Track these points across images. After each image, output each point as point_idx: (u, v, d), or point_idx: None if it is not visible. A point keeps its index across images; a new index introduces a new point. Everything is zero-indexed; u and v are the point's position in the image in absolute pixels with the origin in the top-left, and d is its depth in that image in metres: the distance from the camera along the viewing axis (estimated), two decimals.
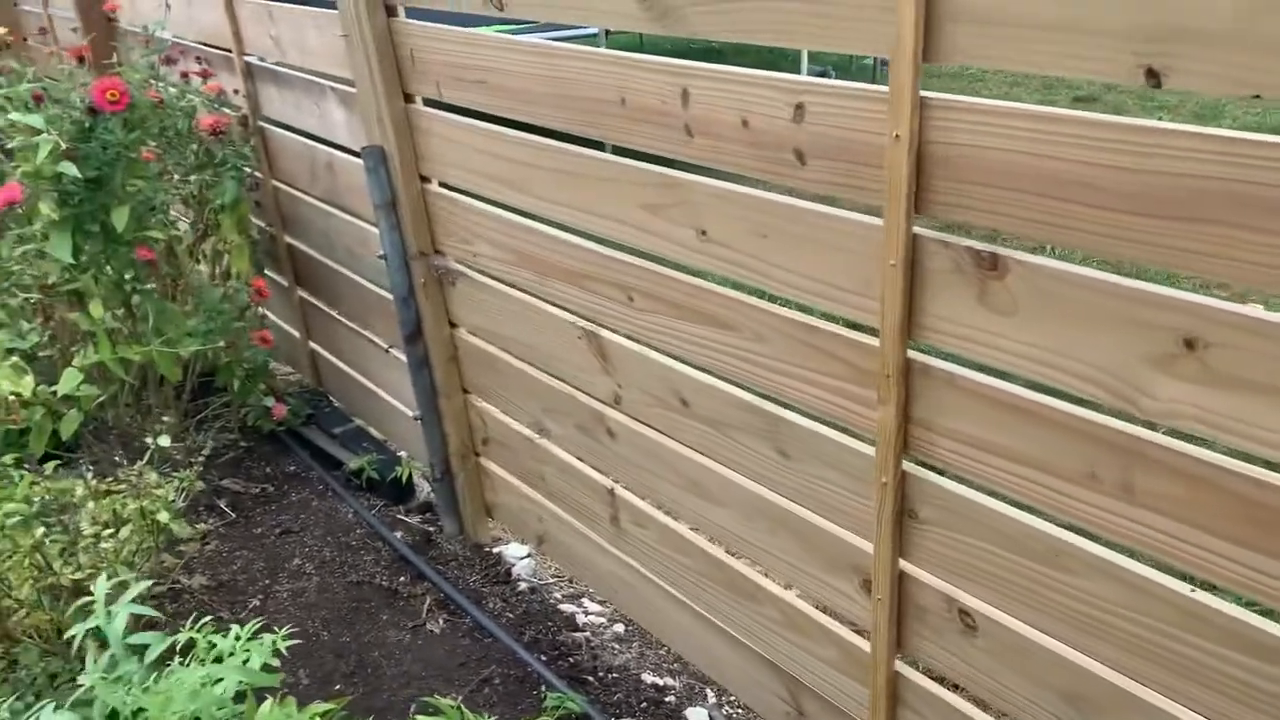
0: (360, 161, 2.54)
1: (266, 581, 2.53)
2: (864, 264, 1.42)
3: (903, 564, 1.56)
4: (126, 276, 2.64)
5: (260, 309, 3.00)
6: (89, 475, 2.34)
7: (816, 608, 1.79)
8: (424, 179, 2.34)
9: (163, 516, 2.16)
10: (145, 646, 1.24)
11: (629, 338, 1.93)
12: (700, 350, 1.76)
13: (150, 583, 1.25)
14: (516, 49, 1.88)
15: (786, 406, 1.66)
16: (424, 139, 2.26)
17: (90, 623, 1.20)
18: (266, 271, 3.31)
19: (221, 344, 2.71)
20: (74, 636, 2.13)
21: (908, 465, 1.49)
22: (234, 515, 2.80)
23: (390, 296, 2.62)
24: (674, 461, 1.93)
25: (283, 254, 3.24)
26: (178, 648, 1.44)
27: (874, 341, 1.45)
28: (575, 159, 1.85)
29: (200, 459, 2.45)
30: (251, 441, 3.17)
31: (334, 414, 3.27)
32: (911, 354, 1.42)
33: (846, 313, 1.48)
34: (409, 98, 2.26)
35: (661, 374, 1.87)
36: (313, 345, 3.37)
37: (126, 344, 2.60)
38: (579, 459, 2.23)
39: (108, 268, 2.62)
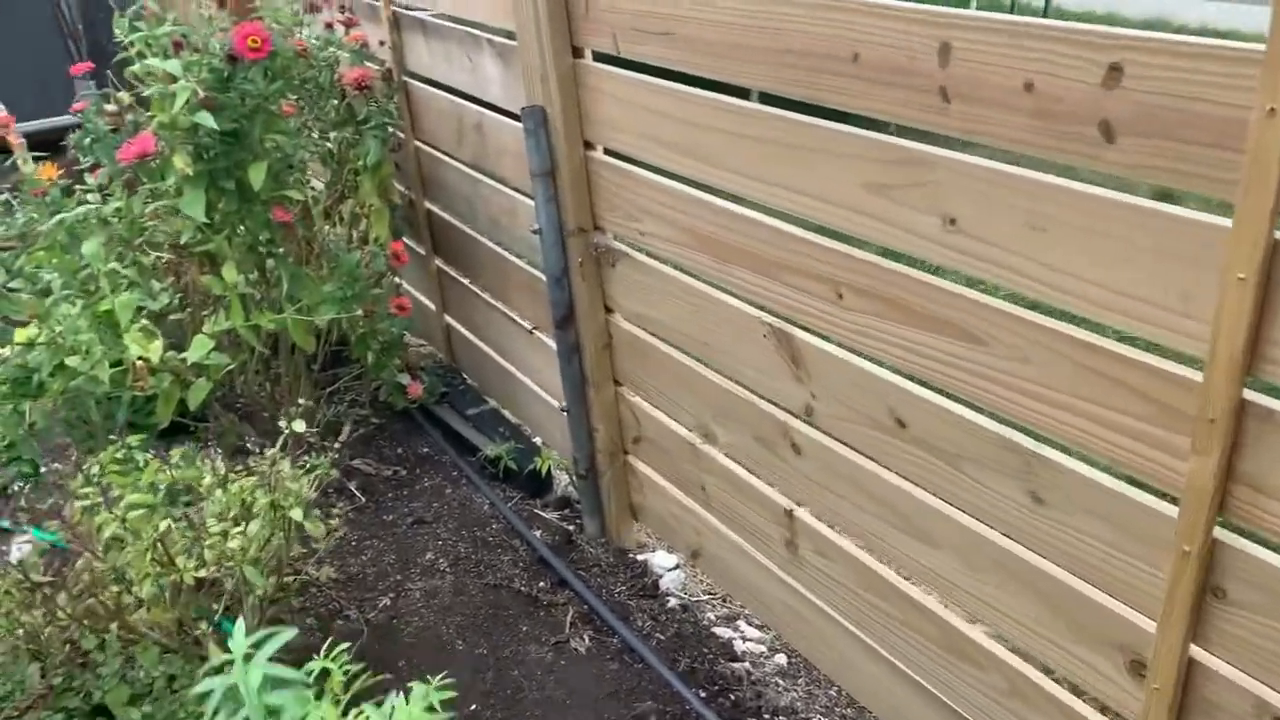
0: (514, 124, 2.30)
1: (398, 577, 2.33)
2: (1190, 274, 1.10)
3: (1195, 650, 1.24)
4: (262, 239, 2.45)
5: (397, 277, 2.78)
6: (218, 459, 2.17)
7: (1056, 682, 1.48)
8: (588, 145, 2.07)
9: (295, 514, 1.96)
10: (280, 710, 1.03)
11: (832, 341, 1.64)
12: (931, 365, 1.45)
13: (293, 632, 1.02)
14: None
15: (1046, 442, 1.35)
16: (592, 99, 2.00)
17: (222, 682, 0.99)
18: (404, 237, 3.11)
19: (359, 312, 2.50)
20: (199, 633, 1.97)
21: (1221, 532, 1.17)
22: (364, 500, 2.62)
23: (539, 274, 2.38)
24: (877, 489, 1.64)
25: (421, 220, 3.04)
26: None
27: (1193, 375, 1.13)
28: (781, 125, 1.56)
29: (336, 444, 2.25)
30: (383, 418, 2.98)
31: (468, 393, 3.07)
32: (1248, 394, 1.09)
33: (1153, 334, 1.16)
34: (578, 52, 2.00)
35: (872, 387, 1.57)
36: (448, 319, 3.16)
37: (260, 311, 2.42)
38: (751, 473, 1.95)
39: (242, 228, 2.44)
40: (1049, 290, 1.25)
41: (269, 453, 1.98)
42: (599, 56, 1.97)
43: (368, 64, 2.69)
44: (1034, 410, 1.33)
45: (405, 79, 2.85)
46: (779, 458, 1.84)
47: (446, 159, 2.77)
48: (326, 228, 2.89)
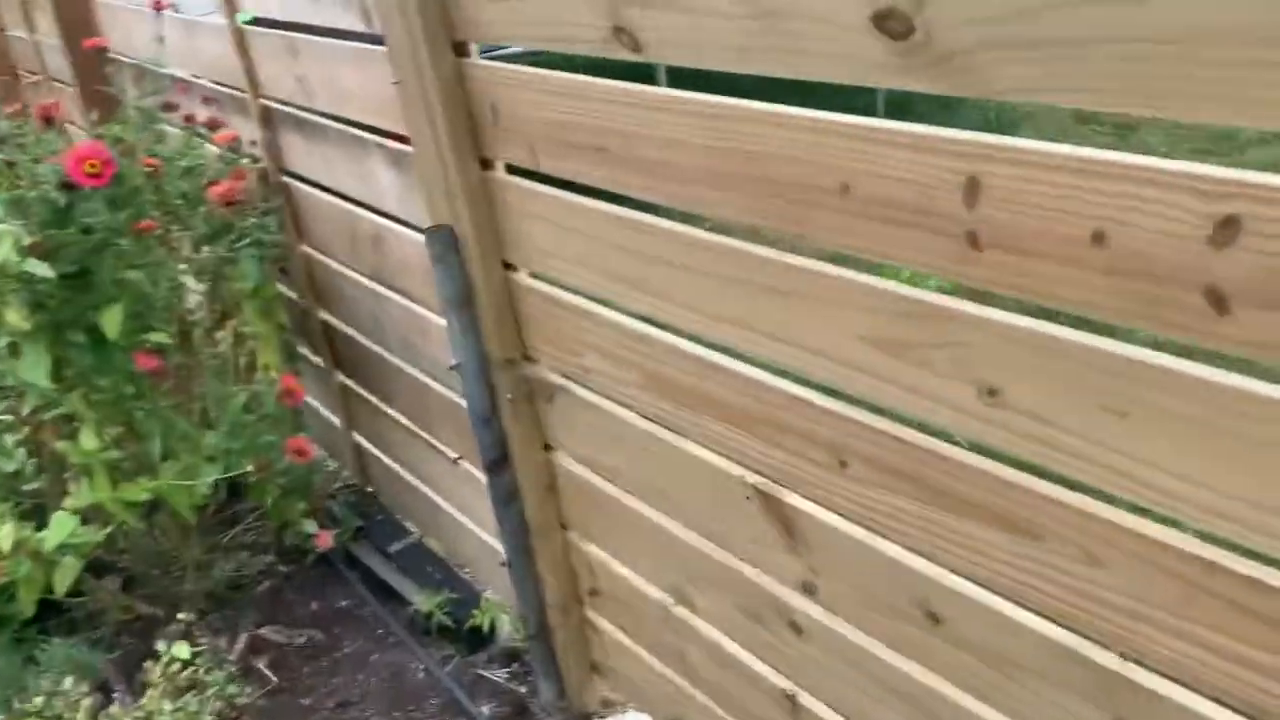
0: (418, 237, 1.97)
1: None
2: None
3: None
4: (125, 392, 2.07)
5: (294, 411, 2.42)
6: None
7: None
8: (509, 267, 1.76)
9: None
10: None
11: (835, 513, 1.34)
12: (972, 557, 1.17)
13: None
14: (660, 104, 1.29)
15: (1137, 663, 1.07)
16: (510, 218, 1.68)
17: None
18: (299, 349, 2.74)
19: (248, 467, 2.14)
20: None
21: None
22: (276, 680, 2.24)
23: (462, 401, 2.05)
24: (901, 685, 1.35)
25: (317, 331, 2.67)
26: None
27: None
28: (752, 263, 1.26)
29: (230, 657, 1.89)
30: (292, 564, 2.61)
31: (388, 524, 2.71)
32: None
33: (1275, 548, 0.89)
34: (487, 163, 1.68)
35: (892, 573, 1.28)
36: (357, 438, 2.80)
37: (129, 479, 2.04)
38: (742, 646, 1.65)
39: (100, 382, 2.06)
40: (1135, 487, 0.98)
41: (148, 694, 1.61)
42: (515, 170, 1.66)
43: (242, 163, 2.33)
44: (1114, 623, 1.05)
45: (286, 180, 2.49)
46: (776, 636, 1.54)
47: (342, 269, 2.42)
48: (208, 353, 2.52)
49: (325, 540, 2.32)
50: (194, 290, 2.50)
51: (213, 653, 2.15)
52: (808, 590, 1.44)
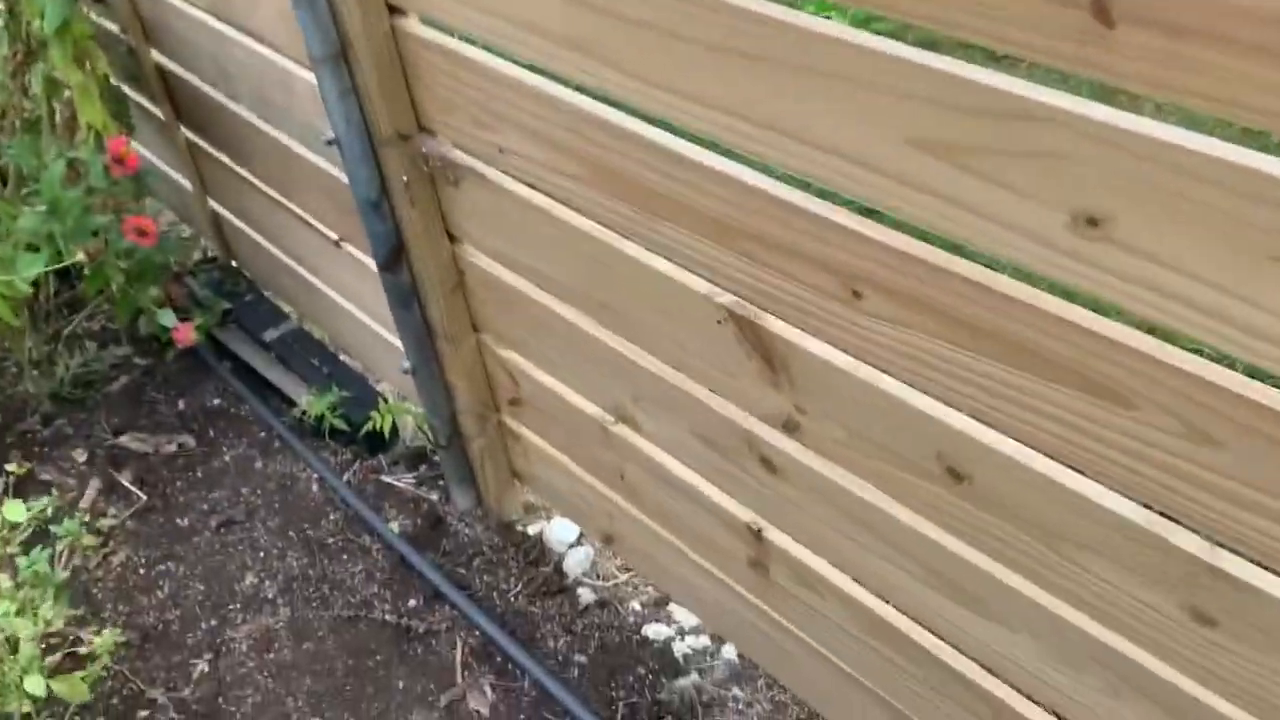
0: None
1: (213, 621, 1.74)
2: None
3: None
4: None
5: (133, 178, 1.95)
6: None
7: None
8: (395, 10, 1.35)
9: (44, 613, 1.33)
10: None
11: (838, 348, 1.08)
12: (1028, 416, 0.93)
13: None
14: None
15: (1231, 550, 0.87)
16: None
17: None
18: (133, 97, 2.25)
19: (79, 256, 1.74)
20: None
21: None
22: (144, 497, 1.95)
23: (339, 175, 1.68)
24: (902, 540, 1.15)
25: (151, 76, 2.18)
26: None
27: None
28: (752, 26, 0.92)
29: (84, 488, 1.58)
30: (149, 357, 2.26)
31: (259, 305, 2.35)
32: None
33: None
34: None
35: (910, 424, 1.05)
36: (214, 206, 2.38)
37: None
38: (698, 474, 1.43)
39: None
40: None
41: None
42: None
43: None
44: (1204, 506, 0.85)
45: None
46: (742, 469, 1.32)
47: (173, 2, 1.92)
48: (12, 104, 2.04)
49: (185, 335, 1.97)
50: None
51: (59, 490, 1.83)
52: (789, 428, 1.20)
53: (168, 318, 1.98)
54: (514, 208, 1.38)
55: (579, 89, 1.18)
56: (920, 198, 0.89)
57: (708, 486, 1.42)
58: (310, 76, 1.62)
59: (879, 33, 0.86)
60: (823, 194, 1.00)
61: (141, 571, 1.81)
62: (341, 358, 2.23)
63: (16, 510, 1.49)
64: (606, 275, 1.31)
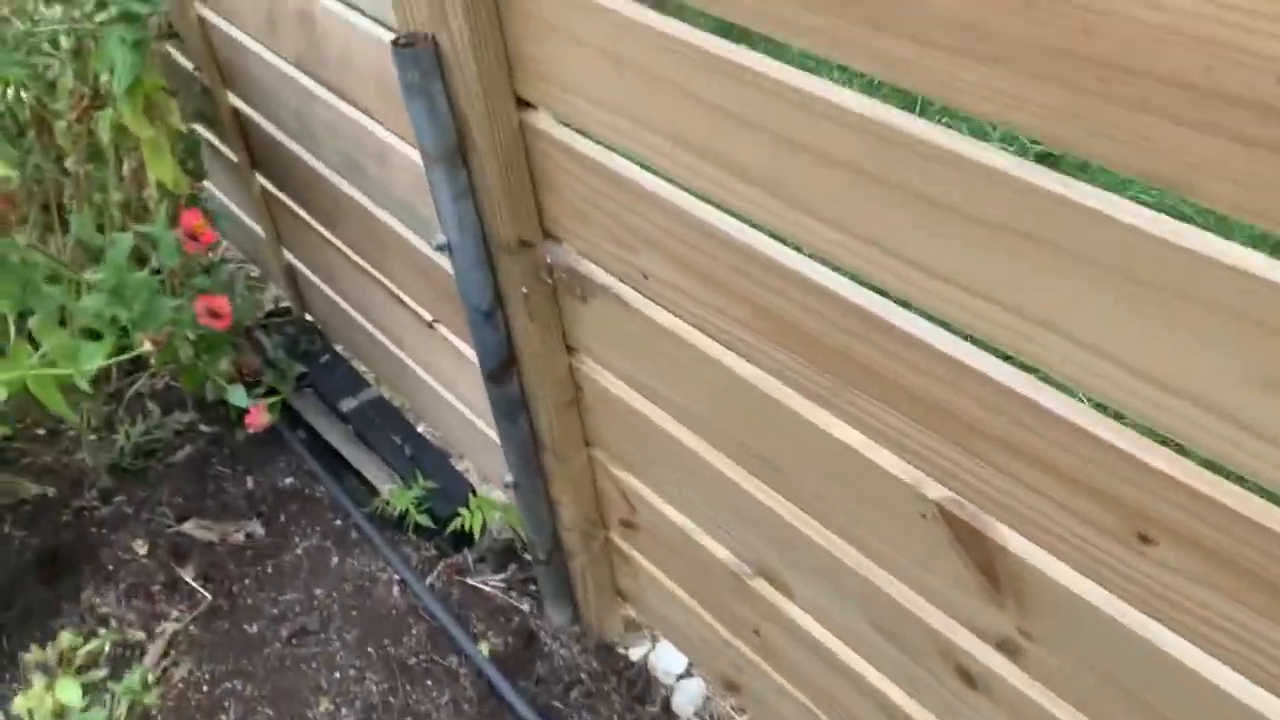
0: (369, 28, 1.33)
1: None
2: None
3: None
4: None
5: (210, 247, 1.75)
6: None
7: None
8: (524, 104, 1.13)
9: None
10: None
11: (1106, 589, 0.85)
12: None
13: None
14: None
15: None
16: (531, 31, 1.04)
17: None
18: (200, 130, 2.07)
19: (146, 346, 1.55)
20: None
21: None
22: (209, 596, 1.77)
23: (438, 259, 1.49)
24: None
25: (226, 118, 2.00)
26: None
27: None
28: (1043, 202, 0.69)
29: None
30: (216, 424, 2.08)
31: (336, 367, 2.16)
32: None
33: None
34: None
35: (1173, 680, 0.82)
36: (290, 258, 2.20)
37: None
38: (866, 661, 1.21)
39: None
40: None
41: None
42: None
43: None
44: None
45: None
46: (928, 672, 1.10)
47: (255, 49, 1.73)
48: (76, 153, 1.86)
49: (258, 419, 1.77)
50: (49, 55, 1.79)
51: (119, 624, 1.66)
52: (1005, 649, 0.98)
53: (239, 395, 1.79)
54: (655, 336, 1.17)
55: (746, 221, 0.96)
56: (1271, 452, 0.66)
57: (876, 676, 1.19)
58: (411, 152, 1.42)
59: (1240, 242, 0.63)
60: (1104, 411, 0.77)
61: (206, 689, 1.63)
62: (424, 434, 2.03)
63: (72, 692, 1.31)
64: (769, 429, 1.09)
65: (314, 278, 2.12)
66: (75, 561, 1.82)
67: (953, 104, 0.69)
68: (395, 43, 1.10)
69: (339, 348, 2.24)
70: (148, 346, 1.53)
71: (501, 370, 1.37)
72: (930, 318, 0.84)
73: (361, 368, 2.20)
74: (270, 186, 2.05)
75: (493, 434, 1.72)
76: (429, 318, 1.72)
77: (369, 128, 1.51)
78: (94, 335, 1.54)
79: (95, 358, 1.47)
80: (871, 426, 0.96)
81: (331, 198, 1.79)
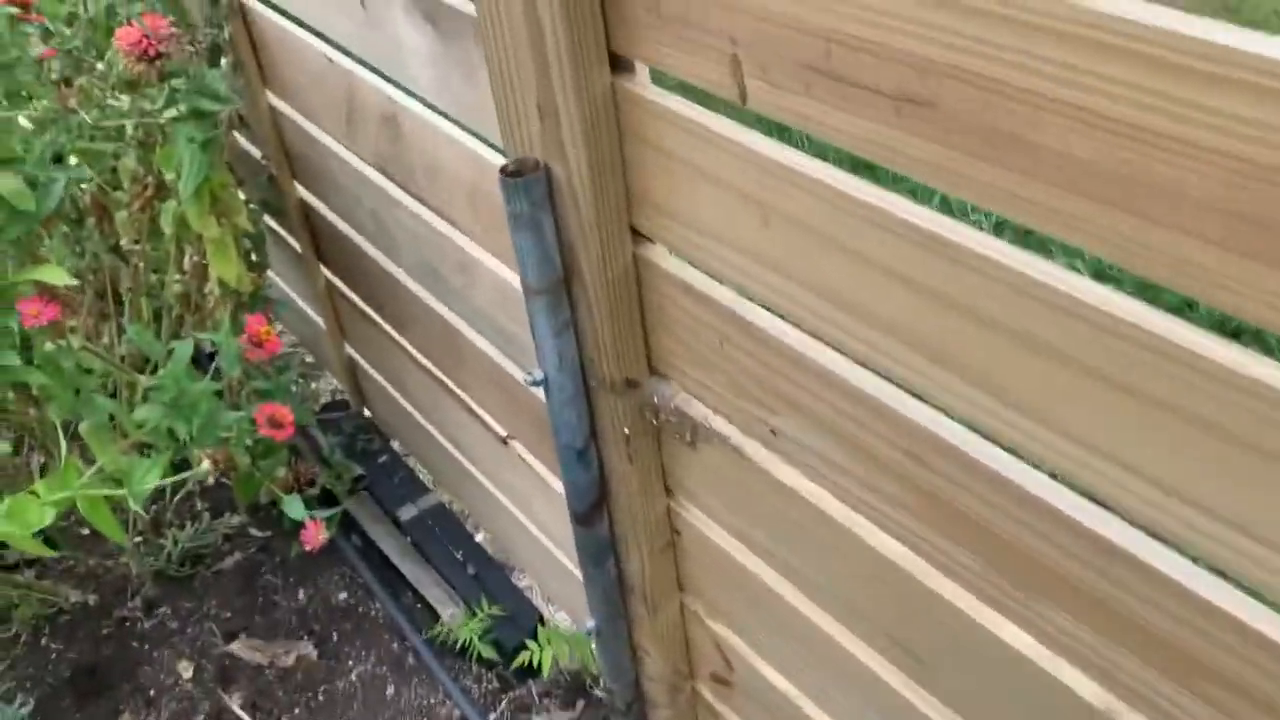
0: (461, 139, 1.23)
1: None
2: None
3: None
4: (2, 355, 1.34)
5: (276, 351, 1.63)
6: None
7: None
8: (639, 236, 1.02)
9: None
10: None
11: None
12: None
13: None
14: (1105, 30, 0.54)
15: None
16: (650, 163, 0.93)
17: None
18: (266, 219, 1.98)
19: (204, 467, 1.44)
20: None
21: None
22: None
23: (515, 373, 1.37)
24: None
25: (291, 209, 1.91)
26: None
27: None
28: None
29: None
30: (267, 527, 1.96)
31: (395, 469, 2.05)
32: None
33: None
34: (619, 61, 0.91)
35: None
36: (351, 351, 2.10)
37: (22, 491, 1.35)
38: None
39: None
40: None
41: None
42: (665, 80, 0.89)
43: None
44: None
45: (243, 0, 1.66)
46: None
47: (328, 144, 1.64)
48: (132, 240, 1.77)
49: (314, 538, 1.65)
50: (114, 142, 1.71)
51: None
52: None
53: (295, 508, 1.67)
54: (778, 496, 1.04)
55: (911, 393, 0.83)
56: None
57: None
58: (499, 268, 1.31)
59: None
60: None
61: None
62: (489, 551, 1.90)
63: None
64: (916, 618, 0.96)
65: (376, 375, 2.02)
66: (114, 681, 1.70)
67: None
68: (505, 171, 0.99)
69: (395, 443, 2.13)
70: (206, 465, 1.42)
71: (591, 511, 1.24)
72: (1154, 535, 0.70)
73: (419, 467, 2.08)
74: (335, 280, 1.95)
75: (565, 558, 1.59)
76: (503, 433, 1.60)
77: (454, 239, 1.40)
78: (145, 445, 1.44)
79: (150, 477, 1.36)
80: (1046, 632, 0.82)
81: (404, 300, 1.68)
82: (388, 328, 1.82)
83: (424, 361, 1.75)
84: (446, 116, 1.26)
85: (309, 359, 2.41)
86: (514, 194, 0.99)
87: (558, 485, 1.51)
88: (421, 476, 2.05)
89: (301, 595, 1.85)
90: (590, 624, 1.38)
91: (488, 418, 1.63)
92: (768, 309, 0.93)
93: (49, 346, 1.38)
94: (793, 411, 0.96)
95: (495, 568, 1.84)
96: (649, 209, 0.98)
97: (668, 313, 1.04)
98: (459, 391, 1.68)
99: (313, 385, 2.35)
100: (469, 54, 1.13)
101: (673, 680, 1.43)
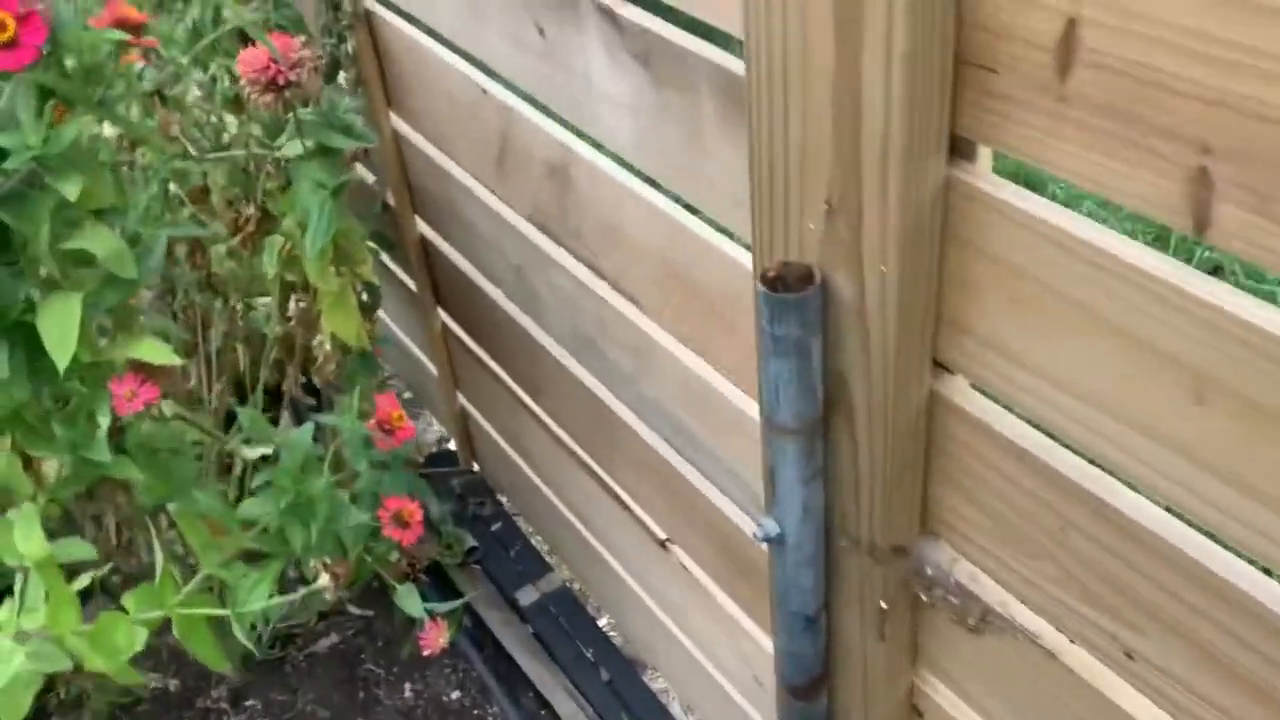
0: (659, 201, 0.97)
1: None
2: None
3: None
4: (84, 444, 1.10)
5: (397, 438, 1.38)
6: None
7: None
8: (940, 367, 0.76)
9: None
10: None
11: None
12: None
13: None
14: None
15: None
16: (980, 272, 0.67)
17: None
18: (381, 255, 1.74)
19: (324, 585, 1.21)
20: None
21: None
22: None
23: (680, 466, 1.12)
24: None
25: (409, 245, 1.67)
26: None
27: None
28: None
29: None
30: (368, 605, 1.73)
31: (511, 540, 1.81)
32: None
33: None
34: (960, 147, 0.65)
35: None
36: (464, 403, 1.86)
37: (119, 601, 1.13)
38: None
39: (44, 428, 1.10)
40: None
41: None
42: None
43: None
44: None
45: (369, 6, 1.41)
46: None
47: (465, 183, 1.39)
48: (232, 295, 1.55)
49: (434, 642, 1.41)
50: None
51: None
52: None
53: (413, 602, 1.42)
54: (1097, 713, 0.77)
55: None
56: None
57: None
58: (685, 356, 1.05)
59: None
60: None
61: None
62: (603, 621, 1.66)
63: None
64: None
65: (493, 432, 1.78)
66: None
67: None
68: (765, 279, 0.73)
69: (506, 501, 1.89)
70: (325, 580, 1.19)
71: (813, 686, 0.99)
72: None
73: (532, 534, 1.84)
74: (455, 326, 1.71)
75: (724, 680, 1.34)
76: (662, 535, 1.35)
77: (627, 315, 1.15)
78: (255, 562, 1.21)
79: (258, 595, 1.13)
80: None
81: (544, 366, 1.43)
82: (517, 389, 1.58)
83: (558, 432, 1.50)
84: (651, 182, 1.00)
85: (406, 394, 2.18)
86: (781, 312, 0.73)
87: (723, 599, 1.26)
88: (535, 543, 1.81)
89: (408, 691, 1.62)
90: None
91: (641, 512, 1.37)
92: (1150, 499, 0.67)
93: (143, 427, 1.16)
94: (1165, 633, 0.69)
95: (628, 670, 1.59)
96: (963, 336, 0.72)
97: (970, 471, 0.77)
98: (602, 474, 1.43)
99: (418, 430, 2.12)
100: (698, 108, 0.87)
101: None
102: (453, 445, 2.03)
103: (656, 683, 1.63)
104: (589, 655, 1.60)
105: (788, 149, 0.71)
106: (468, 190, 1.39)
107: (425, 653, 1.39)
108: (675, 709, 1.60)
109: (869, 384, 0.76)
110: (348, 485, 1.32)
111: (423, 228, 1.64)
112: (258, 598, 1.13)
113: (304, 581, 1.27)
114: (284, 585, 1.24)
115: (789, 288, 0.74)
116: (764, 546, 0.91)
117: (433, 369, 1.87)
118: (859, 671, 0.96)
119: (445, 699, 1.60)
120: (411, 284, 1.76)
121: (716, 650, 1.35)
